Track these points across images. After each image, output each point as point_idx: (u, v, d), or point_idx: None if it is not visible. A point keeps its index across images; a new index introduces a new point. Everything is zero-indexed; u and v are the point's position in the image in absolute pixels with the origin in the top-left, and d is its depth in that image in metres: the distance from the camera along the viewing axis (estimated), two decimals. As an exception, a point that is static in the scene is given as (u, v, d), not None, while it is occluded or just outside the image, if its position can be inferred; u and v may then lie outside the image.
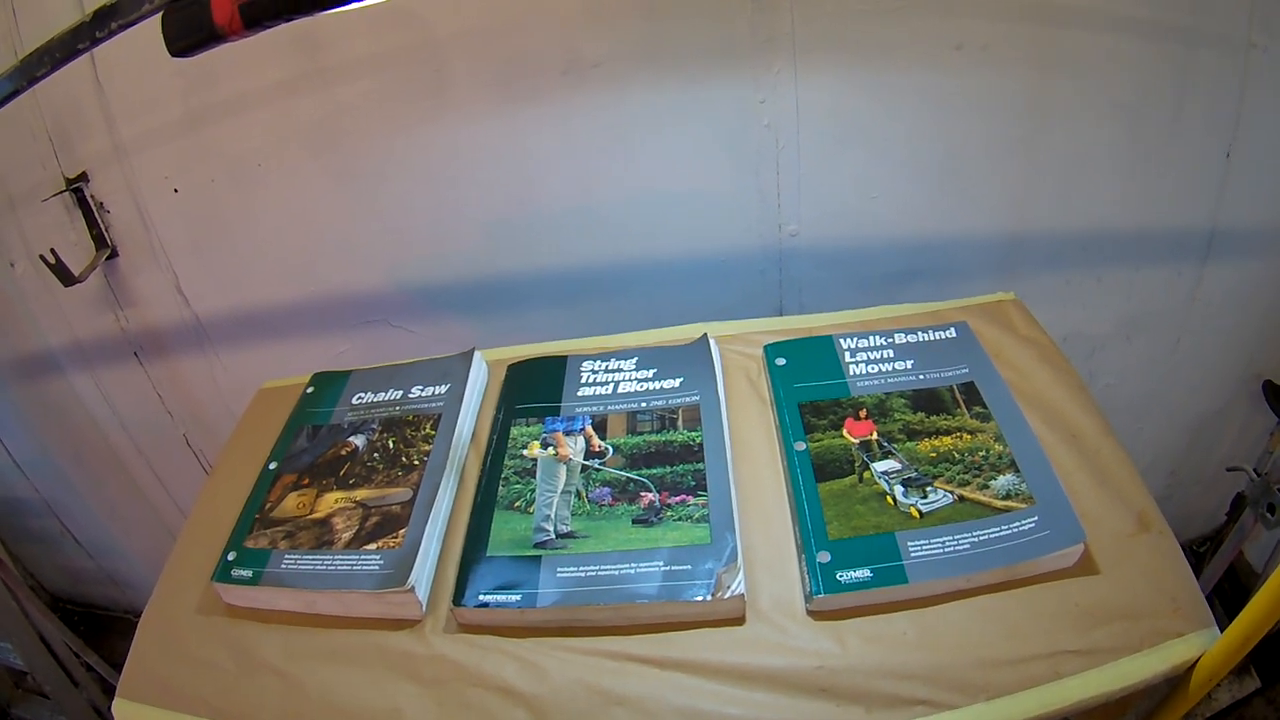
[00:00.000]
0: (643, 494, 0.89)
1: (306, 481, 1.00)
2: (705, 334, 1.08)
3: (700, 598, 0.77)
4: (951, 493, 0.84)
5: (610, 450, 0.95)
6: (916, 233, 1.39)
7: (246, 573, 0.89)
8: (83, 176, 1.48)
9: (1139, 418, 1.68)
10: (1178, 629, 0.73)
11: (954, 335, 1.03)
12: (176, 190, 1.45)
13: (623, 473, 0.92)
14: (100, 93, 1.38)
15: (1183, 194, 1.36)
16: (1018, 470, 0.85)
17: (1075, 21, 1.19)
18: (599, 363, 1.07)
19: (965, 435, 0.90)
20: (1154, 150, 1.31)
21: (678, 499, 0.87)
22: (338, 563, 0.88)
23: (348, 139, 1.35)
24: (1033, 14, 1.19)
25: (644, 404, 1.00)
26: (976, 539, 0.79)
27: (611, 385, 1.04)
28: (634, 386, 1.03)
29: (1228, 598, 1.77)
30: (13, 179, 1.52)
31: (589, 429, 0.98)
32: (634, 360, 1.07)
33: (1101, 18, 1.19)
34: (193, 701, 0.84)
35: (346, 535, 0.91)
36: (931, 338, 1.03)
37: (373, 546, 0.88)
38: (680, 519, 0.85)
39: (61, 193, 1.48)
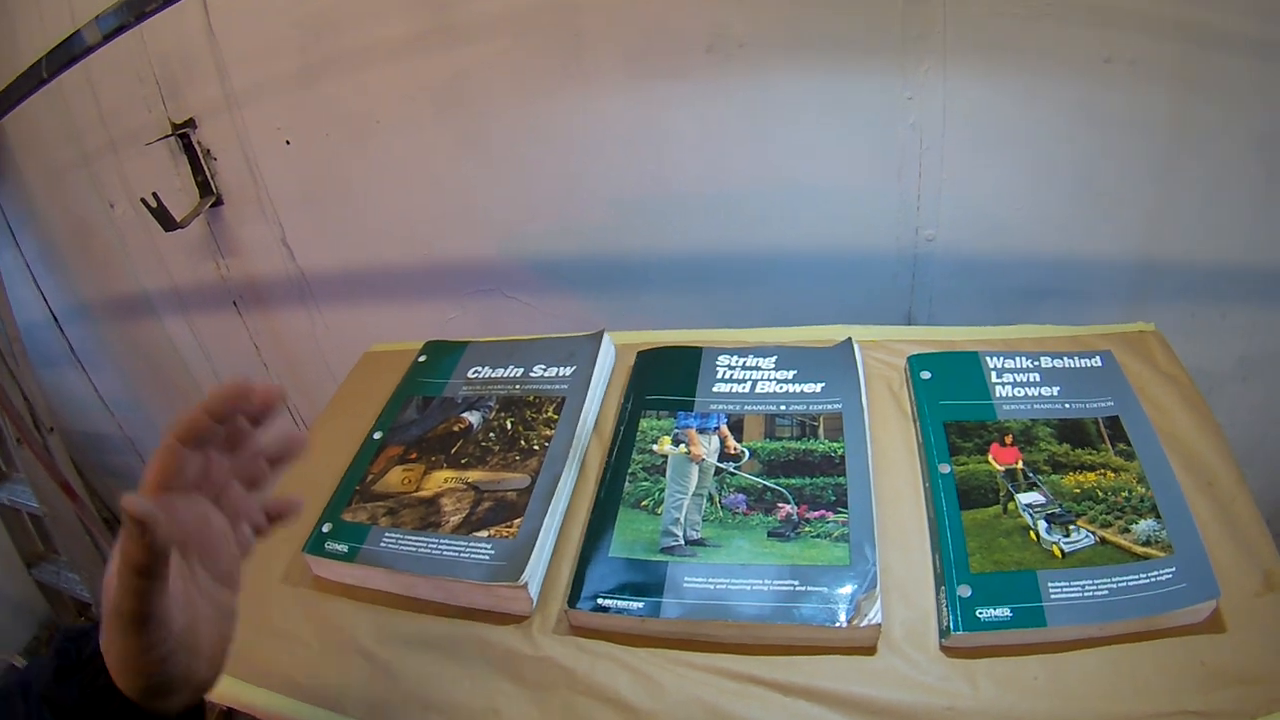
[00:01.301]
0: (780, 505, 0.84)
1: (414, 456, 0.96)
2: (850, 339, 1.03)
3: (838, 623, 0.73)
4: (1094, 533, 0.79)
5: (747, 454, 0.90)
6: (1051, 249, 1.33)
7: (342, 547, 0.87)
8: (190, 123, 1.48)
9: (1245, 462, 1.61)
10: (1292, 697, 0.69)
11: (1099, 364, 0.98)
12: (288, 142, 1.44)
13: (760, 480, 0.87)
14: (213, 40, 1.37)
15: (1312, 235, 1.30)
16: (1159, 516, 0.80)
17: (1222, 43, 1.13)
18: (735, 358, 1.03)
19: (1109, 473, 0.85)
20: (1288, 187, 1.25)
21: (817, 514, 0.83)
22: (444, 547, 0.84)
23: (473, 101, 1.32)
24: (1182, 33, 1.13)
25: (783, 407, 0.95)
26: (1114, 585, 0.74)
27: (749, 383, 0.99)
28: (773, 387, 0.98)
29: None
30: (115, 121, 1.53)
31: (724, 429, 0.94)
32: (773, 359, 1.02)
33: (1247, 42, 1.12)
34: (271, 676, 0.81)
35: (455, 519, 0.87)
36: (1077, 364, 0.98)
37: (484, 534, 0.85)
38: (819, 536, 0.81)
39: (167, 137, 1.48)
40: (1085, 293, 1.36)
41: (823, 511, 0.83)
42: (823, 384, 0.97)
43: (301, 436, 0.63)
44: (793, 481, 0.87)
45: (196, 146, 1.50)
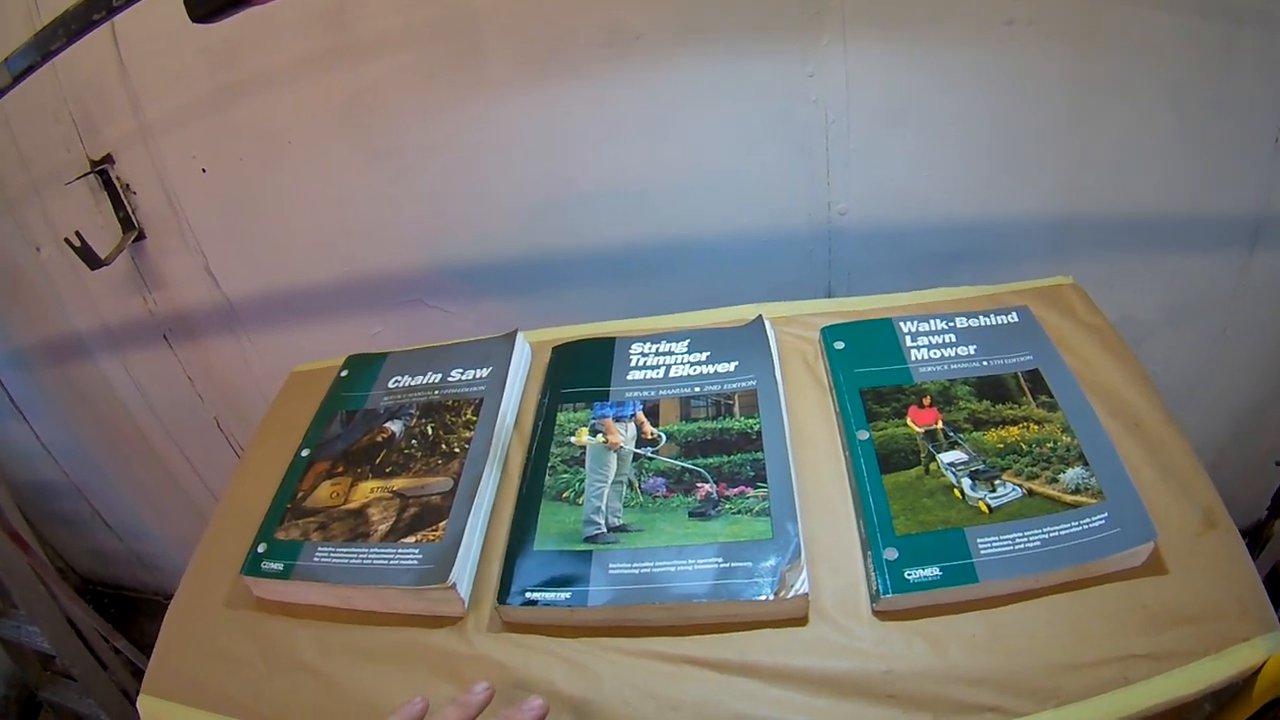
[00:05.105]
0: (699, 485, 0.84)
1: (340, 469, 0.96)
2: (760, 315, 1.04)
3: (763, 597, 0.73)
4: (1020, 486, 0.80)
5: (664, 438, 0.91)
6: (966, 213, 1.34)
7: (277, 565, 0.86)
8: (108, 158, 1.46)
9: (1182, 407, 1.63)
10: (1244, 633, 0.70)
11: (1016, 320, 0.98)
12: (204, 170, 1.42)
13: (677, 462, 0.88)
14: (124, 73, 1.35)
15: (1231, 178, 1.31)
16: (1086, 463, 0.81)
17: (1123, -6, 1.15)
18: (649, 345, 1.03)
19: (1032, 425, 0.85)
20: (1203, 132, 1.26)
21: (736, 490, 0.83)
22: (374, 556, 0.84)
23: (380, 115, 1.32)
24: (1081, -12, 1.15)
25: (698, 389, 0.96)
26: (1047, 536, 0.75)
27: (663, 369, 0.99)
28: (687, 370, 0.98)
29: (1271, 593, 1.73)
30: (36, 162, 1.51)
31: (640, 415, 0.94)
32: (686, 342, 1.02)
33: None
34: (221, 699, 0.81)
35: (383, 527, 0.87)
36: (993, 322, 0.98)
37: (411, 539, 0.84)
38: (739, 512, 0.81)
39: (86, 175, 1.46)
40: (1005, 253, 1.38)
41: (742, 487, 0.83)
42: (736, 363, 0.98)
43: None
44: (710, 460, 0.87)
45: (115, 182, 1.48)
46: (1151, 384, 0.93)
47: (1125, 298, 1.45)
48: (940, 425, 0.87)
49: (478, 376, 1.03)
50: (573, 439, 0.93)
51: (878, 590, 0.75)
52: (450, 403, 1.01)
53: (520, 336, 1.08)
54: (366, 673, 0.79)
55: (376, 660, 0.80)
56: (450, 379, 1.04)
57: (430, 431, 0.98)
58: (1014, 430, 0.85)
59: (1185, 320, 1.49)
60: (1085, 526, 0.75)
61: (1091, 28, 1.17)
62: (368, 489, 0.92)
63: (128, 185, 1.49)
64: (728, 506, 0.82)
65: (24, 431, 1.97)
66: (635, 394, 0.97)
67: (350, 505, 0.91)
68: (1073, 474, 0.80)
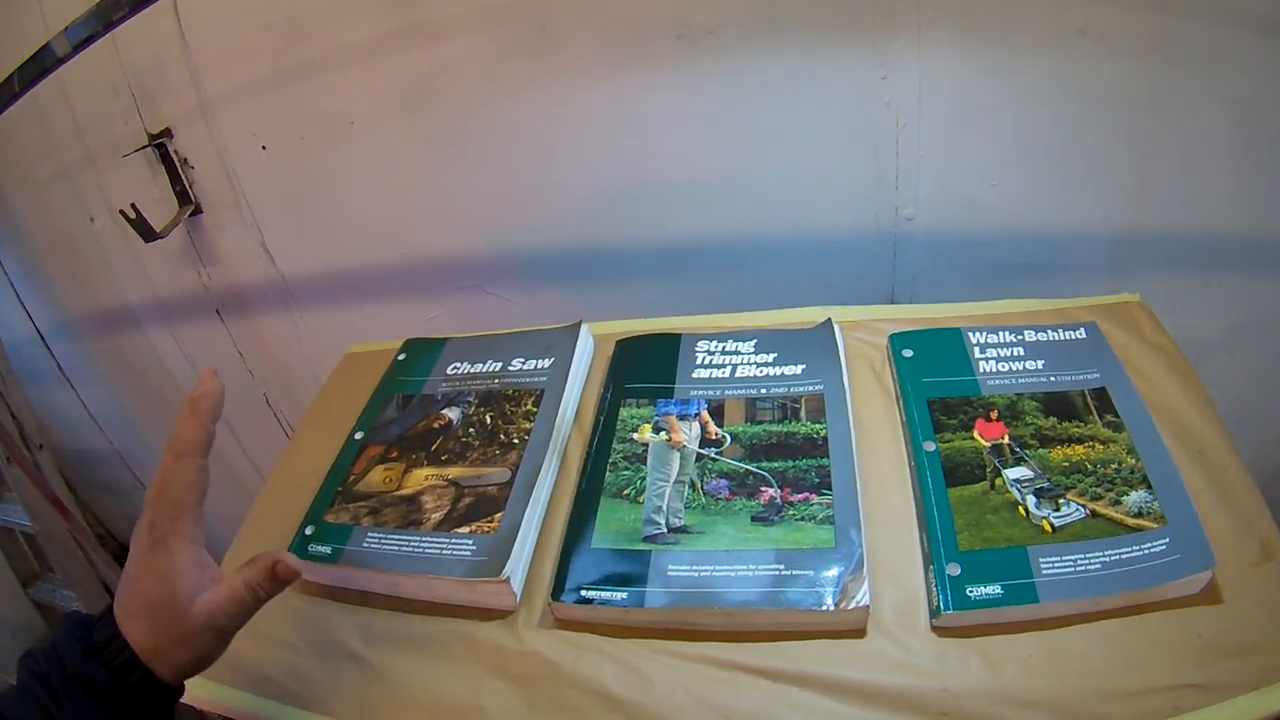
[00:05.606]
0: (763, 489, 0.83)
1: (395, 454, 0.95)
2: (829, 319, 1.02)
3: (825, 606, 0.72)
4: (1084, 506, 0.78)
5: (728, 439, 0.89)
6: (1032, 224, 1.32)
7: (325, 549, 0.85)
8: (166, 132, 1.47)
9: (1235, 432, 1.60)
10: (1293, 667, 0.67)
11: (1084, 336, 0.96)
12: (264, 147, 1.43)
13: (742, 464, 0.86)
14: (186, 48, 1.36)
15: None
16: (1150, 486, 0.78)
17: (1198, 11, 1.12)
18: (715, 343, 1.01)
19: (1098, 445, 0.83)
20: (1268, 154, 1.23)
21: (800, 497, 0.81)
22: (426, 545, 0.83)
23: (445, 99, 1.31)
24: (1156, 2, 1.12)
25: (764, 390, 0.94)
26: (1108, 558, 0.73)
27: (729, 368, 0.97)
28: (753, 371, 0.96)
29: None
30: (93, 133, 1.52)
31: (705, 414, 0.92)
32: (753, 343, 1.00)
33: (1222, 9, 1.12)
34: (259, 681, 0.80)
35: (436, 516, 0.86)
36: (1062, 337, 0.96)
37: (465, 530, 0.83)
38: (803, 519, 0.79)
39: (144, 148, 1.47)
40: (1068, 266, 1.36)
41: (806, 494, 0.81)
42: (803, 366, 0.96)
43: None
44: (775, 465, 0.85)
45: (174, 156, 1.49)
46: (1215, 409, 0.91)
47: (1183, 318, 1.42)
48: (1007, 440, 0.85)
49: (539, 367, 1.02)
50: (635, 435, 0.91)
51: (938, 606, 0.73)
52: (510, 392, 1.00)
53: (584, 328, 1.07)
54: (410, 662, 0.78)
55: (421, 650, 0.79)
56: (511, 368, 1.03)
57: (489, 420, 0.97)
58: (1079, 449, 0.84)
59: (1242, 343, 1.47)
60: (1147, 551, 0.73)
61: (1163, 43, 1.15)
62: (422, 476, 0.91)
63: (185, 160, 1.49)
64: (791, 513, 0.80)
65: (70, 399, 1.99)
66: (700, 393, 0.95)
67: (404, 491, 0.90)
68: (1136, 497, 0.78)
